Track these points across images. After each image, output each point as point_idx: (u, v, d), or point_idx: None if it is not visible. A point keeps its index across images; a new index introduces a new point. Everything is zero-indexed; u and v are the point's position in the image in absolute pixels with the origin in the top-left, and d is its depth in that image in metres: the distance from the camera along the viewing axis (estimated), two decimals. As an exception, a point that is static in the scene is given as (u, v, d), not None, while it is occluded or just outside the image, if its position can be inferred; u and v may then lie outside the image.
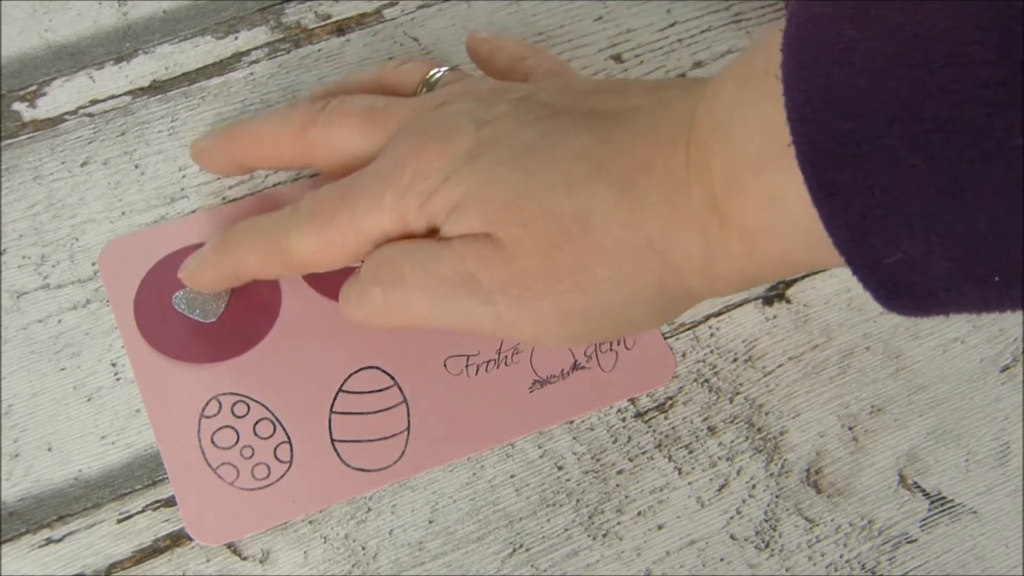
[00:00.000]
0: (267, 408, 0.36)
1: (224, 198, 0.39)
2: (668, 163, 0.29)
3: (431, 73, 0.37)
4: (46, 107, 0.41)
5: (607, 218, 0.29)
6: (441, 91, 0.35)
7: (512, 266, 0.30)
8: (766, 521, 0.36)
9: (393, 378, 0.37)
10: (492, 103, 0.33)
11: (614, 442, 0.37)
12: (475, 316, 0.31)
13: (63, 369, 0.36)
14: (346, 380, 0.36)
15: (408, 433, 0.36)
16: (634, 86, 0.32)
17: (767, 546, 0.36)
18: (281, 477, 0.35)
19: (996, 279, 0.23)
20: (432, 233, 0.32)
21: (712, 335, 0.39)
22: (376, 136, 0.34)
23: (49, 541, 0.34)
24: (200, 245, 0.38)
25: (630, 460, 0.36)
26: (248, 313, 0.37)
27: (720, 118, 0.28)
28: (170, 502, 0.34)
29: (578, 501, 0.36)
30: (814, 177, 0.24)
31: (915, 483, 0.37)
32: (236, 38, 0.43)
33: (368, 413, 0.36)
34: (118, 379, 0.36)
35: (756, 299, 0.39)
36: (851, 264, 0.25)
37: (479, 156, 0.31)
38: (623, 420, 0.37)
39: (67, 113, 0.41)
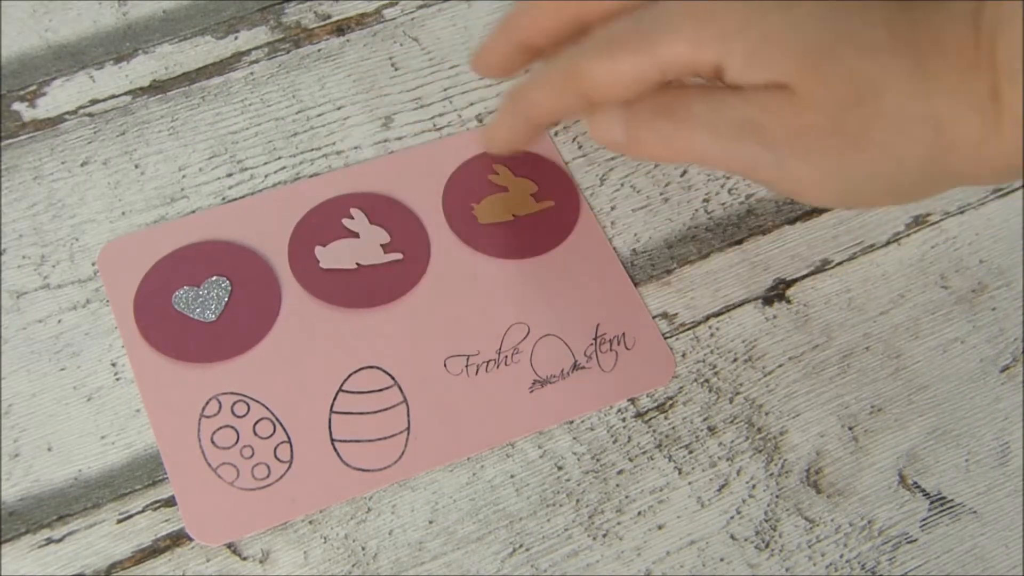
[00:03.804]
0: (267, 408, 0.36)
1: (224, 198, 0.39)
2: (960, 42, 0.31)
3: None
4: (46, 107, 0.41)
5: (900, 88, 0.31)
6: None
7: (801, 120, 0.31)
8: (766, 521, 0.36)
9: (393, 378, 0.37)
10: None
11: (614, 442, 0.37)
12: (758, 161, 0.32)
13: (63, 369, 0.36)
14: (346, 380, 0.36)
15: (408, 433, 0.36)
16: None
17: (767, 546, 0.36)
18: (281, 477, 0.35)
19: None
20: (718, 74, 0.33)
21: (712, 335, 0.39)
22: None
23: (49, 541, 0.34)
24: (199, 245, 0.38)
25: (630, 460, 0.36)
26: (248, 313, 0.37)
27: (1006, 10, 0.30)
28: (170, 502, 0.34)
29: (578, 501, 0.36)
30: None
31: (915, 483, 0.37)
32: (236, 38, 0.43)
33: (368, 413, 0.36)
34: (118, 379, 0.36)
35: (756, 299, 0.39)
36: None
37: (791, 4, 0.32)
38: (623, 420, 0.37)
39: (67, 113, 0.41)
